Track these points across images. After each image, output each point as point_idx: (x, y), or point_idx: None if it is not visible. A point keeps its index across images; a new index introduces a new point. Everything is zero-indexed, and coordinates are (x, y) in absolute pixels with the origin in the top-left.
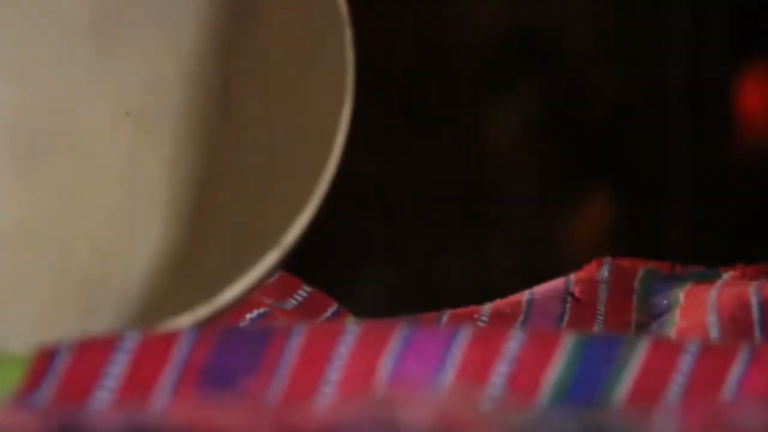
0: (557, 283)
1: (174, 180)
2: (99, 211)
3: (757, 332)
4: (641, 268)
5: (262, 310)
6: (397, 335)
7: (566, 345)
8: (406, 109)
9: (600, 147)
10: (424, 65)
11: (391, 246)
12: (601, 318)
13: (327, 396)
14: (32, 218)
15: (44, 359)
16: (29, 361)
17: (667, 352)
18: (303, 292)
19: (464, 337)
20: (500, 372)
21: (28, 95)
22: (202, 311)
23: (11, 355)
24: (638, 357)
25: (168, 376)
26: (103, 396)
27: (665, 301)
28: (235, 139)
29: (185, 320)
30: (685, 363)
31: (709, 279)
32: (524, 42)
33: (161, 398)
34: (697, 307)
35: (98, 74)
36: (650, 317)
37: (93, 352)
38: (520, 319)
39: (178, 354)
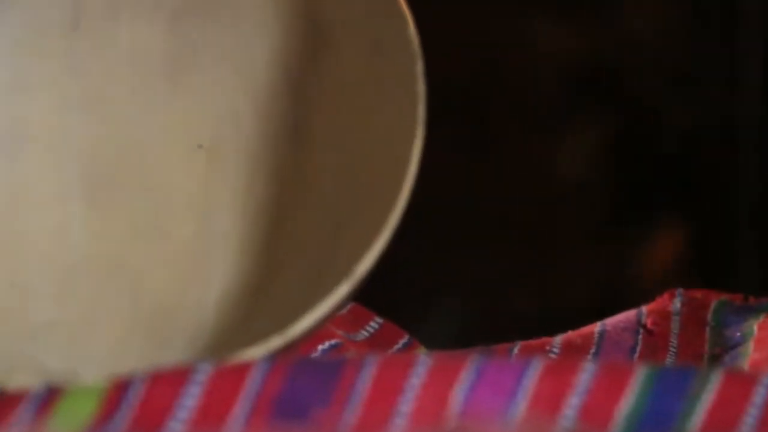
0: (629, 314)
1: (246, 211)
2: (172, 242)
3: None
4: (714, 299)
5: (333, 341)
6: (469, 367)
7: (638, 377)
8: (474, 138)
9: (670, 177)
10: (491, 93)
11: (462, 277)
12: (674, 350)
13: (399, 427)
14: (106, 249)
15: (118, 390)
16: (103, 392)
17: (740, 384)
18: (374, 323)
19: (536, 369)
20: (572, 404)
21: (101, 127)
22: (275, 342)
23: (85, 385)
24: (711, 389)
25: (241, 407)
26: (176, 427)
27: (738, 333)
28: (307, 170)
29: (258, 351)
30: (759, 396)
31: None
32: (594, 70)
33: (234, 429)
34: None
35: (171, 107)
36: (723, 349)
37: (166, 383)
38: (592, 350)
39: (250, 385)
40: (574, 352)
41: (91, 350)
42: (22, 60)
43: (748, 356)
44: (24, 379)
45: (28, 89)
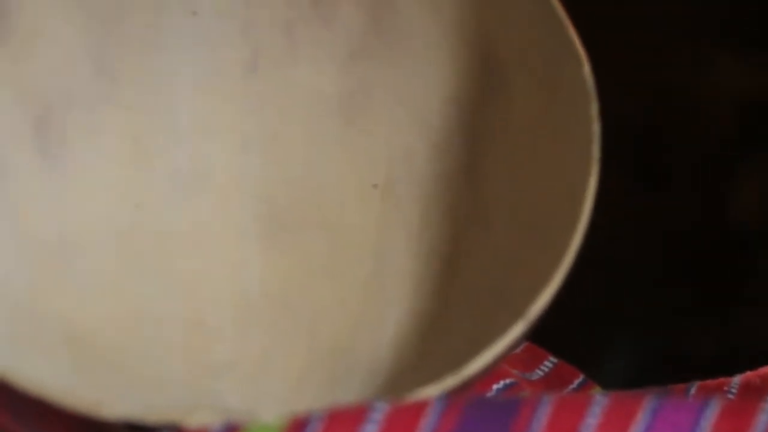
0: None
1: (420, 250)
2: (348, 281)
3: None
4: None
5: (508, 380)
6: (645, 407)
7: None
8: (648, 177)
9: None
10: (666, 132)
11: (638, 317)
12: None
13: None
14: (282, 288)
15: (296, 428)
16: (282, 430)
17: None
18: (549, 362)
19: (714, 410)
20: None
21: (277, 167)
22: (450, 381)
23: (264, 423)
24: None
25: None
26: None
27: None
28: (480, 209)
29: (433, 390)
30: None
31: None
32: None
33: None
34: None
35: (346, 147)
36: None
37: (343, 421)
38: None
39: (426, 424)
40: (752, 393)
41: (269, 389)
42: (204, 101)
43: None
44: (205, 417)
45: (208, 130)
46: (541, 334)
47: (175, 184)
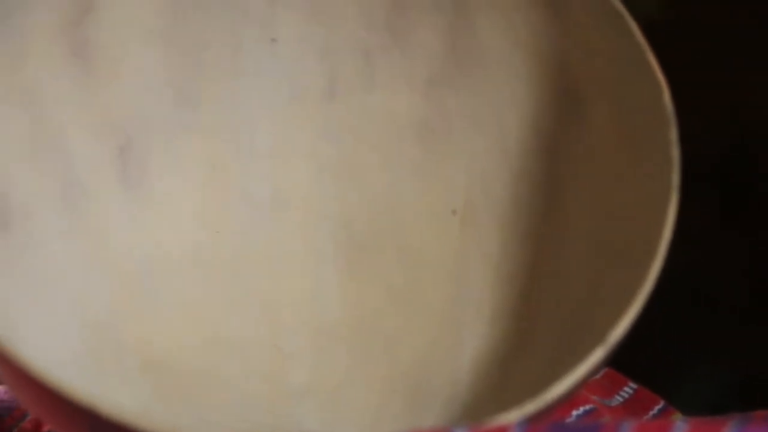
0: None
1: (499, 275)
2: (426, 308)
3: None
4: None
5: (588, 406)
6: None
7: None
8: (727, 205)
9: None
10: (749, 160)
11: (719, 343)
12: None
13: None
14: (360, 314)
15: None
16: None
17: None
18: (629, 389)
19: None
20: None
21: (355, 192)
22: (530, 407)
23: None
24: None
25: None
26: None
27: None
28: (559, 234)
29: (512, 416)
30: None
31: None
32: None
33: None
34: None
35: (424, 173)
36: None
37: None
38: None
39: None
40: None
41: (348, 414)
42: (282, 127)
43: None
44: None
45: (287, 156)
46: (621, 360)
47: (253, 210)
